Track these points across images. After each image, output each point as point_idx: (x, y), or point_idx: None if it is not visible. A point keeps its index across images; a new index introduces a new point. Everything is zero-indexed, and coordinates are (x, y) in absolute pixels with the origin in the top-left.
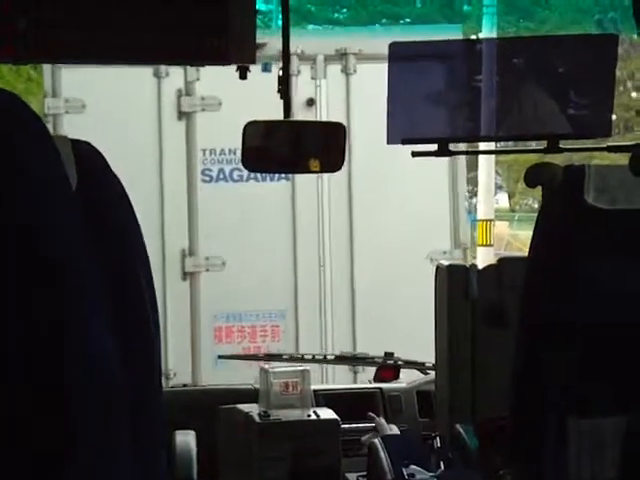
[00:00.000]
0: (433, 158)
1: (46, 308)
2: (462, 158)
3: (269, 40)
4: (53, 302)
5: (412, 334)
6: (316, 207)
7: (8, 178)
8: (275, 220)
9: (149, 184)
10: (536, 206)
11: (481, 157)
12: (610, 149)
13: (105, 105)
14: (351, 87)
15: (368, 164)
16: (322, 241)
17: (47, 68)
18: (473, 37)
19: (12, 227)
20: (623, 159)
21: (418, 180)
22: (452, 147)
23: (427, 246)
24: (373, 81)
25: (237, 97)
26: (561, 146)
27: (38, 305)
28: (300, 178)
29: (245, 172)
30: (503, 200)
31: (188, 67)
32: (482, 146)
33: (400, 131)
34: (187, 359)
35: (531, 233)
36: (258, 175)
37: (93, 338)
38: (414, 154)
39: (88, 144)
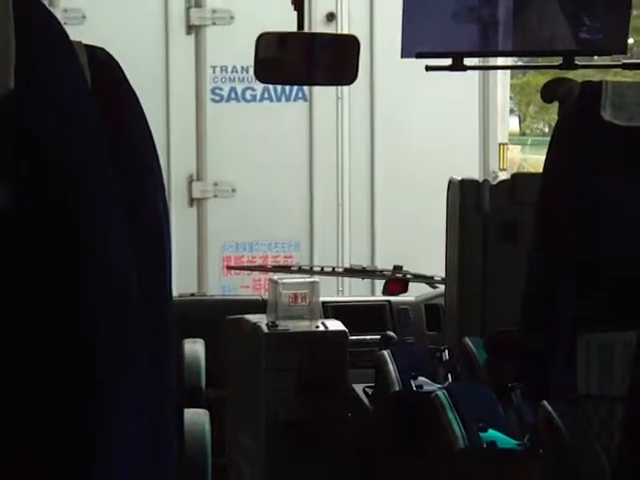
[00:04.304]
0: (463, 75)
1: (66, 224)
2: (495, 76)
3: None
4: (72, 215)
5: (438, 267)
6: (335, 129)
7: (22, 82)
8: (290, 144)
9: (154, 103)
10: (547, 130)
11: (497, 79)
12: (625, 66)
13: (107, 17)
14: None
15: (393, 84)
16: (341, 167)
17: None
18: None
19: (25, 132)
20: None
21: (447, 101)
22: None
23: (454, 173)
24: None
25: (251, 11)
26: (576, 63)
27: (56, 220)
28: (318, 98)
29: (258, 91)
30: (514, 124)
31: None
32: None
33: (414, 44)
34: (193, 289)
35: (543, 157)
36: (272, 94)
37: (112, 251)
38: (428, 68)
39: (104, 50)
